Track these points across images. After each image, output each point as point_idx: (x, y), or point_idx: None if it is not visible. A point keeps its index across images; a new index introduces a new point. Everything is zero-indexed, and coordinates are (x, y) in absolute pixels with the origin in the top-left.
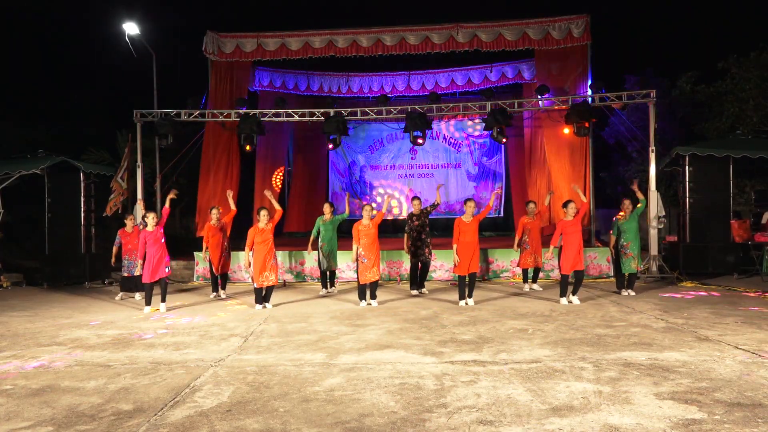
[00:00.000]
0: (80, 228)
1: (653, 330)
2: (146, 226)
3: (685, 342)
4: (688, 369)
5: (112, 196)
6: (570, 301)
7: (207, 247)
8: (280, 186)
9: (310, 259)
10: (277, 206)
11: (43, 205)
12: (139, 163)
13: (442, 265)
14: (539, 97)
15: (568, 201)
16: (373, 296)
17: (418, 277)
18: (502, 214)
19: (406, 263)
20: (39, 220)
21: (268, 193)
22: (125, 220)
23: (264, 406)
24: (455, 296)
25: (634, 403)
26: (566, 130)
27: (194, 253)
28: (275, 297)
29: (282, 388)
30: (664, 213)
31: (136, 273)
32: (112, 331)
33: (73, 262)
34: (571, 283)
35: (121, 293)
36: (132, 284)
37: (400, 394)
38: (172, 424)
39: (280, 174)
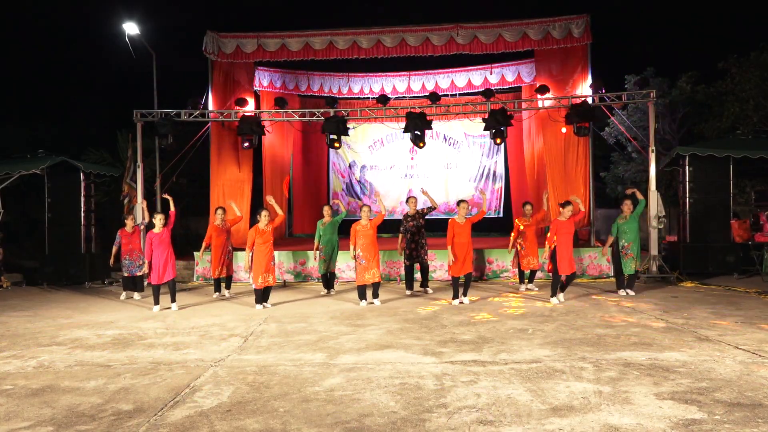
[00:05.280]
0: (80, 228)
1: (653, 330)
2: (149, 227)
3: (685, 342)
4: (688, 369)
5: (126, 199)
6: (560, 300)
7: (206, 246)
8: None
9: (311, 259)
10: (279, 211)
11: (43, 205)
12: (139, 163)
13: (442, 265)
14: (539, 97)
15: (567, 202)
16: (375, 296)
17: (422, 279)
18: (502, 214)
19: None
20: (39, 220)
21: (270, 199)
22: (125, 220)
23: (264, 406)
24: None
25: (634, 403)
26: (565, 131)
27: (194, 253)
28: (275, 297)
29: (282, 388)
30: (664, 213)
31: (138, 273)
32: (112, 331)
33: (73, 262)
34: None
35: (124, 293)
36: (132, 284)
37: (400, 394)
38: (172, 424)
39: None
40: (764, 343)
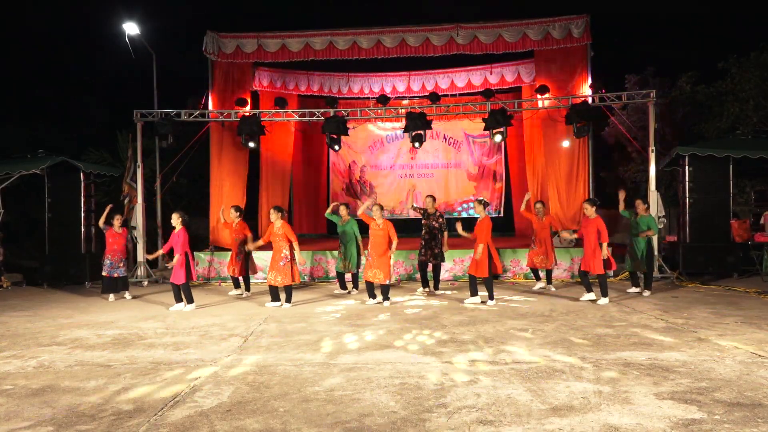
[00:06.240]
0: (80, 228)
1: (653, 330)
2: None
3: (685, 342)
4: (688, 369)
5: (126, 199)
6: (595, 301)
7: (219, 218)
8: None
9: (311, 260)
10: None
11: (43, 205)
12: (139, 163)
13: (442, 265)
14: (539, 97)
15: (587, 200)
16: (386, 298)
17: (433, 281)
18: (502, 214)
19: (405, 263)
20: (39, 220)
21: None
22: (113, 220)
23: (264, 406)
24: (457, 295)
25: (634, 403)
26: (566, 136)
27: (194, 252)
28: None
29: (282, 388)
30: (664, 213)
31: (115, 275)
32: (112, 331)
33: (73, 262)
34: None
35: (112, 295)
36: (113, 285)
37: (400, 394)
38: (172, 424)
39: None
40: (764, 343)
